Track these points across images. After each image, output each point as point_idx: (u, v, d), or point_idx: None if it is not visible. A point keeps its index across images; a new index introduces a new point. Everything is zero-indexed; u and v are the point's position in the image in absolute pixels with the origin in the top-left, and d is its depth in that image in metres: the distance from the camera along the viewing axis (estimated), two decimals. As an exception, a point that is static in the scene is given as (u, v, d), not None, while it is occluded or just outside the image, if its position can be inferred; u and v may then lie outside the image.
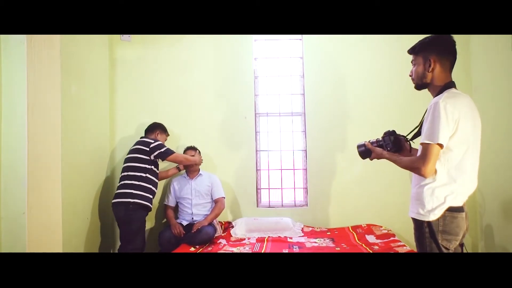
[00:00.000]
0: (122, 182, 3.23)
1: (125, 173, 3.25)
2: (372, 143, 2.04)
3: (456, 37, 3.87)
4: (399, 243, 3.19)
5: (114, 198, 3.21)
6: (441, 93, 1.77)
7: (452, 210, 1.72)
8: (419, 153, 1.79)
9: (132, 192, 3.15)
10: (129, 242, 3.12)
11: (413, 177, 1.88)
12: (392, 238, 3.35)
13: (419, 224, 1.78)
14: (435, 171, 1.73)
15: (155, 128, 3.55)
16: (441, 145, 1.68)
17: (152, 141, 3.29)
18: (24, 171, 2.24)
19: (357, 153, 2.11)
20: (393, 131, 2.05)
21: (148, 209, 3.26)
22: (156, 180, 3.35)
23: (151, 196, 3.27)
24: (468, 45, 3.73)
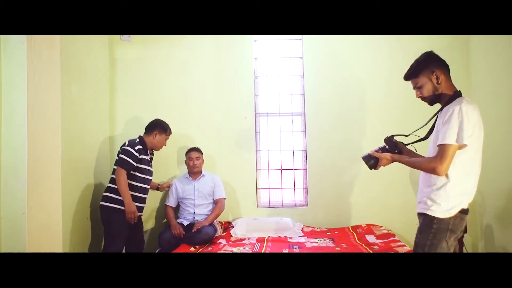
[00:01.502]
0: (107, 185, 3.19)
1: (111, 176, 3.20)
2: (376, 151, 2.06)
3: (456, 37, 3.88)
4: (399, 243, 3.19)
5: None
6: (452, 101, 1.86)
7: (462, 212, 1.83)
8: (430, 154, 1.90)
9: (111, 196, 3.09)
10: (110, 244, 3.11)
11: (423, 176, 1.95)
12: (392, 238, 3.35)
13: (429, 220, 1.85)
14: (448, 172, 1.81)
15: (154, 128, 3.31)
16: (461, 146, 1.77)
17: (125, 144, 3.14)
18: (24, 171, 2.24)
19: (362, 161, 2.13)
20: (392, 136, 2.10)
21: (112, 209, 3.08)
22: (140, 185, 3.17)
23: (118, 197, 3.08)
24: (468, 45, 3.73)
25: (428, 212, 1.84)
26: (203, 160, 3.69)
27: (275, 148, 4.08)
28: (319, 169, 3.93)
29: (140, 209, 3.20)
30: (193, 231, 3.32)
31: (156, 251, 3.55)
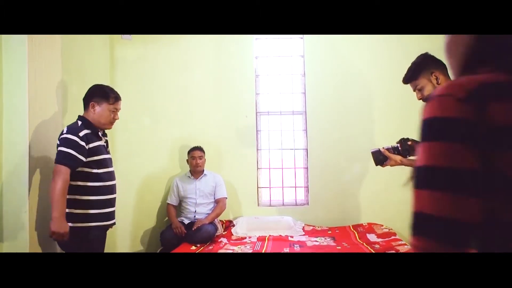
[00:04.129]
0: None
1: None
2: (387, 149, 2.02)
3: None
4: (400, 242, 3.19)
5: None
6: None
7: None
8: None
9: (71, 213, 2.16)
10: None
11: None
12: (393, 237, 3.35)
13: None
14: None
15: (90, 98, 2.29)
16: None
17: (64, 132, 2.18)
18: (25, 170, 2.25)
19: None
20: (407, 138, 2.05)
21: (83, 231, 2.17)
22: (106, 183, 2.27)
23: (83, 211, 2.17)
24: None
25: None
26: (205, 159, 3.69)
27: (276, 147, 4.08)
28: (320, 168, 3.93)
29: (112, 216, 2.33)
30: (193, 229, 3.33)
31: (158, 250, 3.56)
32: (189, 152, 3.67)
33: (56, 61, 2.56)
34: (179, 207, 3.72)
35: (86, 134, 2.17)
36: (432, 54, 1.96)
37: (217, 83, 3.99)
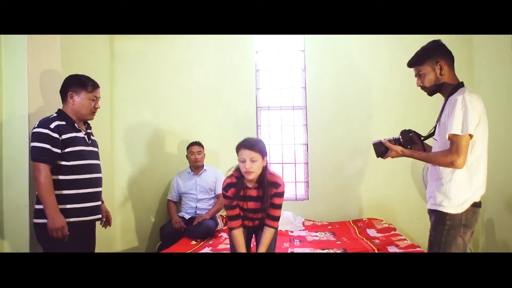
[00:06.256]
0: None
1: None
2: (389, 141, 2.02)
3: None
4: (399, 237, 3.20)
5: None
6: (455, 91, 1.82)
7: (474, 205, 1.79)
8: (435, 147, 1.88)
9: (42, 209, 2.05)
10: None
11: (431, 169, 1.92)
12: (393, 232, 3.36)
13: (441, 217, 1.81)
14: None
15: (66, 88, 2.21)
16: (471, 136, 1.72)
17: (35, 126, 2.10)
18: (25, 165, 2.26)
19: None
20: (409, 130, 2.04)
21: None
22: (83, 176, 2.15)
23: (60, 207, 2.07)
24: (471, 39, 3.70)
25: (440, 209, 1.80)
26: (205, 154, 3.70)
27: (276, 142, 4.08)
28: (320, 163, 3.93)
29: (95, 211, 2.24)
30: (194, 224, 3.35)
31: (157, 245, 3.58)
32: (188, 148, 3.68)
33: (56, 61, 2.55)
34: (179, 203, 3.73)
35: (58, 125, 2.09)
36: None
37: (218, 78, 3.98)
